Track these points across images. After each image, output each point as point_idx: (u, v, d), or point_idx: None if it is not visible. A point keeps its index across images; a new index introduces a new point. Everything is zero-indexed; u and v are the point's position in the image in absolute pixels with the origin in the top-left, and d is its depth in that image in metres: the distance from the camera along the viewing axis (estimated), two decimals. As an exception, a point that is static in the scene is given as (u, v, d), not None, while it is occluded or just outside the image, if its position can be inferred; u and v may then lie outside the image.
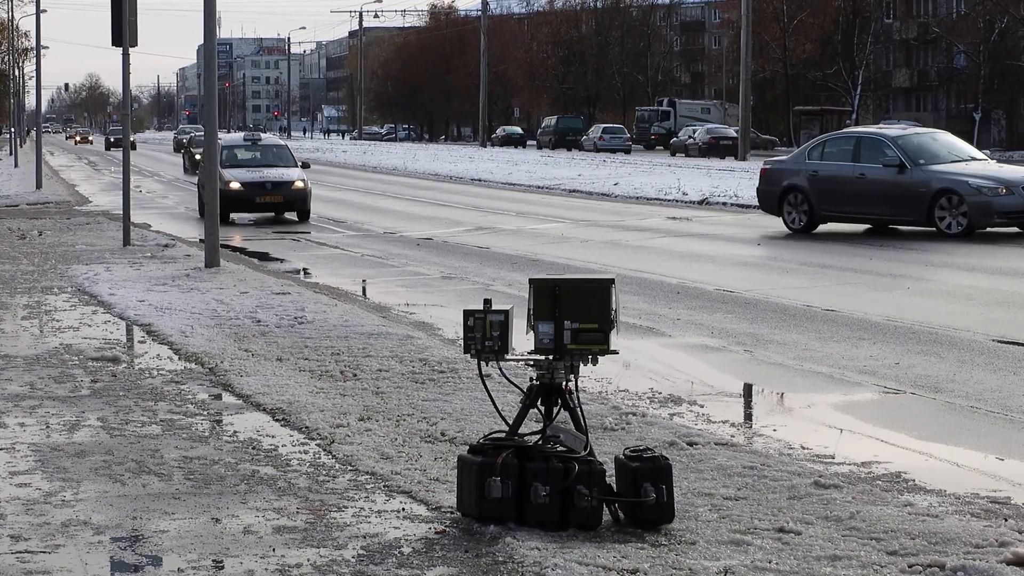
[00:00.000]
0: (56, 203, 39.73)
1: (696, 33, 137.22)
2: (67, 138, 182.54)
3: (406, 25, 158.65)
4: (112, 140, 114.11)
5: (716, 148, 78.98)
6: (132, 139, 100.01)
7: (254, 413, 10.03)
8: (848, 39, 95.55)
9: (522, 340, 7.35)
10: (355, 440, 9.00)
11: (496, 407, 7.66)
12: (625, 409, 10.07)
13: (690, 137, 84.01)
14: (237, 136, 37.77)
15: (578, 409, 7.23)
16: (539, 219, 31.42)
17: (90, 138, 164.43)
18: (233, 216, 31.97)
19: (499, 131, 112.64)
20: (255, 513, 7.35)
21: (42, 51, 55.11)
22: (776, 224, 26.98)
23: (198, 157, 45.05)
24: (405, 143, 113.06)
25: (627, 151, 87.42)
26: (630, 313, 14.91)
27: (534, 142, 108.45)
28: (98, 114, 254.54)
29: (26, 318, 15.33)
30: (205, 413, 10.08)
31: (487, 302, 7.22)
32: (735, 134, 74.47)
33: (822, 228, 26.25)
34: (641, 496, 6.95)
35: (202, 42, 21.40)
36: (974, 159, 26.11)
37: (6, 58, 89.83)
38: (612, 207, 36.10)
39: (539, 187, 44.78)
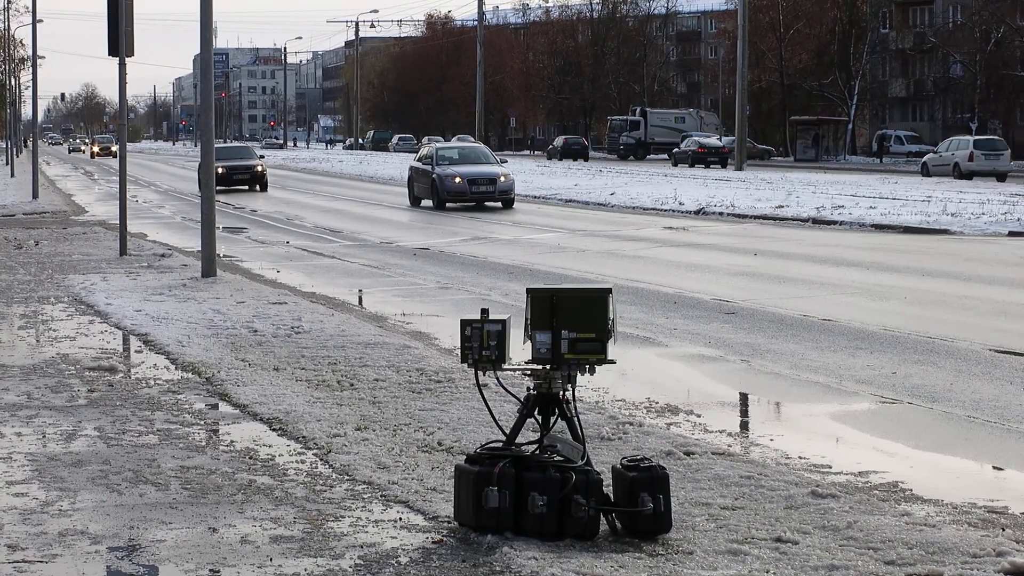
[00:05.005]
0: (52, 213, 39.70)
1: (692, 43, 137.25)
2: (71, 151, 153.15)
3: (402, 35, 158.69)
4: (222, 171, 47.61)
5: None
6: (261, 166, 51.83)
7: (251, 423, 10.02)
8: (844, 49, 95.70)
9: (519, 350, 7.36)
10: (352, 450, 8.99)
11: (493, 417, 7.65)
12: (622, 419, 10.07)
13: None
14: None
15: (575, 419, 7.23)
16: (535, 229, 31.41)
17: (113, 149, 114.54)
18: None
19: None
20: (252, 523, 7.34)
21: (38, 61, 54.97)
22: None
23: None
24: (401, 153, 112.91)
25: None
26: (627, 323, 14.90)
27: (526, 152, 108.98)
28: (94, 124, 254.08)
29: (23, 328, 15.32)
30: (202, 423, 10.07)
31: (484, 312, 7.21)
32: None
33: None
34: (638, 506, 6.95)
35: (198, 52, 21.41)
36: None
37: (2, 68, 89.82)
38: (609, 217, 36.11)
39: (535, 197, 44.74)
